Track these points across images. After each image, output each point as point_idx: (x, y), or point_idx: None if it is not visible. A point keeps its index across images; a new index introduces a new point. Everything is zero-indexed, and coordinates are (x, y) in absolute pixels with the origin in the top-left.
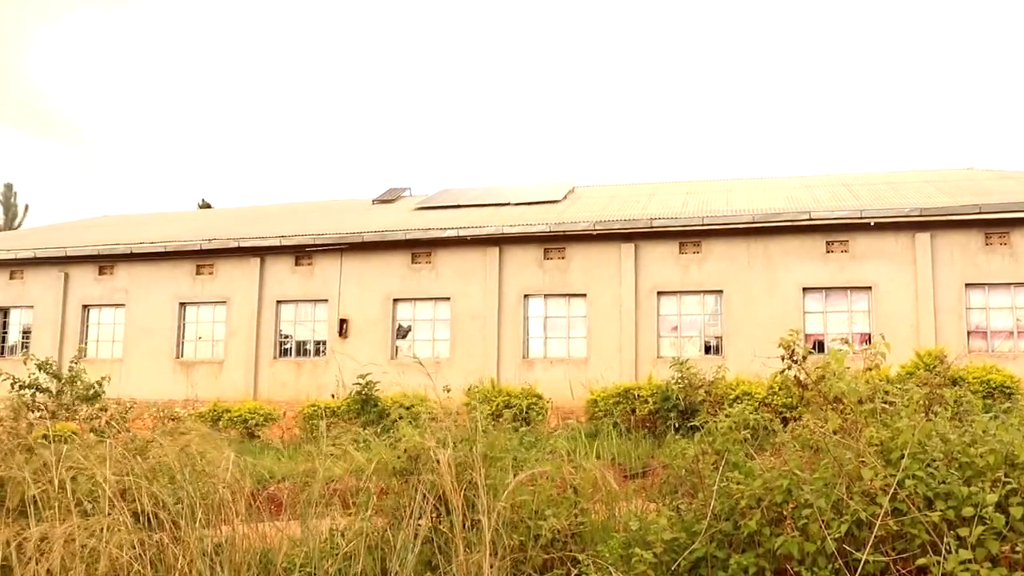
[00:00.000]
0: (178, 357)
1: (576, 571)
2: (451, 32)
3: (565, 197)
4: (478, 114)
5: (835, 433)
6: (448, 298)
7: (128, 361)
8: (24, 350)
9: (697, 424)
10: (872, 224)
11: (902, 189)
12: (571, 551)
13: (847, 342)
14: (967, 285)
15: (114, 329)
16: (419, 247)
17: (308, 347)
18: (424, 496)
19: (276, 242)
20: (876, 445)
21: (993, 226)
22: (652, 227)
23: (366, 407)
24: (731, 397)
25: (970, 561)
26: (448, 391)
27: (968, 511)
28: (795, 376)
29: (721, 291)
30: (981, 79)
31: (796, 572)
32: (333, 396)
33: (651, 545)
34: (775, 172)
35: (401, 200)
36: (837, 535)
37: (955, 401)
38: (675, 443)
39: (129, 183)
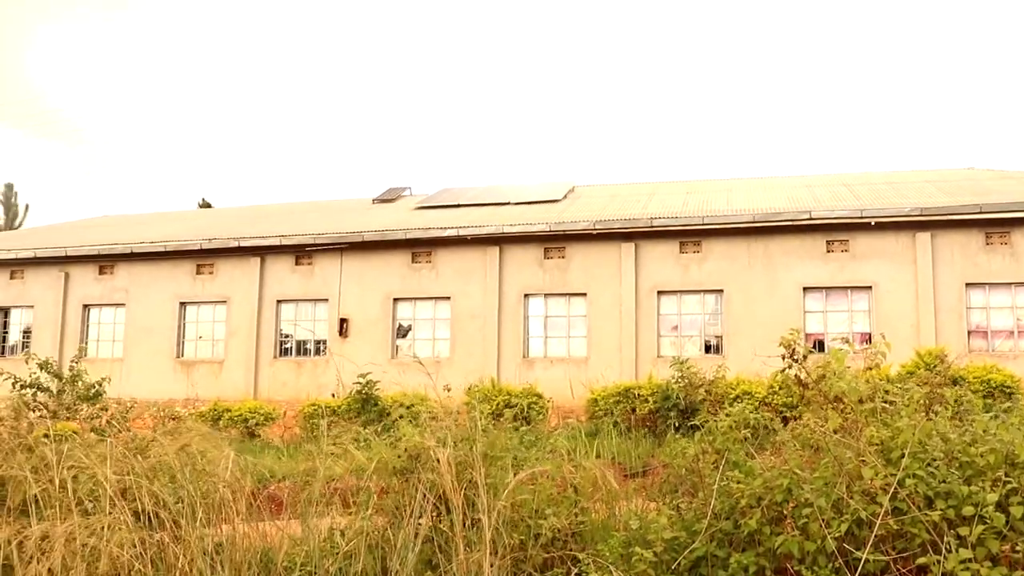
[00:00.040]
0: (178, 357)
1: (576, 570)
2: (451, 32)
3: (565, 196)
4: (478, 114)
5: (835, 432)
6: (448, 297)
7: (128, 361)
8: (24, 350)
9: (697, 423)
10: (872, 224)
11: (902, 189)
12: (571, 550)
13: (847, 341)
14: (967, 285)
15: (114, 329)
16: (419, 246)
17: (308, 346)
18: (424, 495)
19: (276, 242)
20: (876, 444)
21: (993, 226)
22: (652, 227)
23: (366, 406)
24: (731, 396)
25: (970, 560)
26: (448, 390)
27: (968, 510)
28: (795, 375)
29: (721, 290)
30: (981, 79)
31: (796, 571)
32: (333, 395)
33: (651, 544)
34: (775, 172)
35: (401, 199)
36: (837, 534)
37: (955, 400)
38: (675, 442)
39: (129, 183)
